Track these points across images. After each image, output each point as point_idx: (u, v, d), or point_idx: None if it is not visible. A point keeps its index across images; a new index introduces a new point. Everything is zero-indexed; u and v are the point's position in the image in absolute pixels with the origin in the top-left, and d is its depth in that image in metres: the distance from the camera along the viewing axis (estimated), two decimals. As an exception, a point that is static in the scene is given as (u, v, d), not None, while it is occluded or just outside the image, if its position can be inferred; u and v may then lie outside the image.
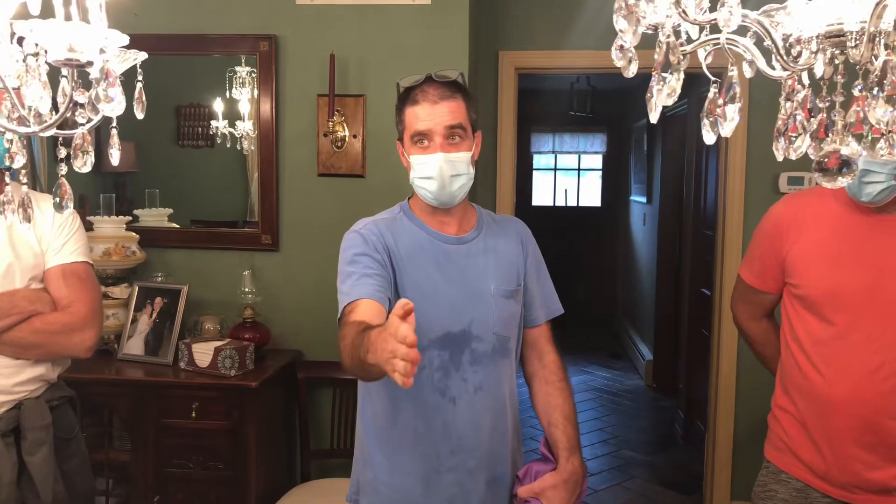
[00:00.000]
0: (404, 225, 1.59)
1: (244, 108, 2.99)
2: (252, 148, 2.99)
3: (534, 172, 7.81)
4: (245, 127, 2.99)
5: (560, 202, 7.92)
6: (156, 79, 3.01)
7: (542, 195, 7.88)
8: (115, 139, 0.92)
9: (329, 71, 2.77)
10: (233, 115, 3.01)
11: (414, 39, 2.84)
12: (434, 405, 1.53)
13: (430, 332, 1.50)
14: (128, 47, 0.82)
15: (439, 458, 1.55)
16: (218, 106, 3.01)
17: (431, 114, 1.52)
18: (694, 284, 4.37)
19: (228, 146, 3.01)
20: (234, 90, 2.99)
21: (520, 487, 1.57)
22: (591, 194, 7.88)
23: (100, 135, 1.03)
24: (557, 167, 7.92)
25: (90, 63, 0.73)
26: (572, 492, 1.53)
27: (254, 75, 2.93)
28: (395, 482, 1.57)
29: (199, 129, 3.05)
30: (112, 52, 0.76)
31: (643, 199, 6.25)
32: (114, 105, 0.74)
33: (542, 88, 6.43)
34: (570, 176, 7.95)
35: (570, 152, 7.78)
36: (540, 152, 7.75)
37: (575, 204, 7.91)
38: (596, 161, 7.80)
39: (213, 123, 3.02)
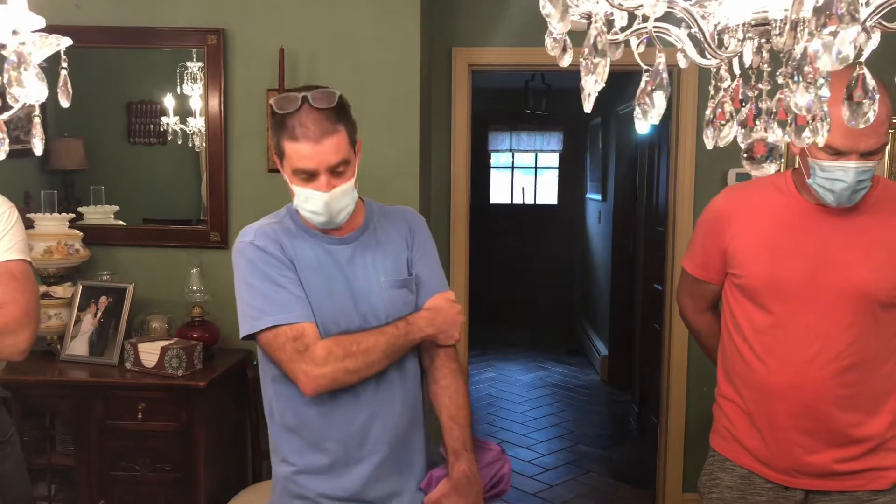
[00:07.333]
0: (291, 230, 1.60)
1: (196, 104, 2.93)
2: (204, 145, 2.93)
3: (491, 171, 7.83)
4: (197, 123, 2.93)
5: (518, 200, 7.95)
6: (106, 74, 2.96)
7: (499, 193, 7.90)
8: (37, 128, 0.89)
9: (279, 65, 2.73)
10: (184, 112, 2.94)
11: (365, 34, 2.81)
12: (338, 400, 1.55)
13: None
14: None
15: (347, 451, 1.56)
16: (169, 102, 2.95)
17: (314, 153, 1.46)
18: (647, 280, 4.43)
19: (180, 143, 2.95)
20: (185, 86, 2.93)
21: (425, 498, 1.59)
22: (548, 192, 7.92)
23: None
24: (515, 165, 7.95)
25: (2, 46, 0.70)
26: (468, 493, 1.55)
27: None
28: (304, 478, 1.58)
29: (151, 125, 2.99)
30: (28, 36, 0.73)
31: (598, 197, 6.31)
32: (27, 91, 0.71)
33: (499, 86, 6.45)
34: (527, 174, 7.98)
35: (527, 150, 7.81)
36: (497, 150, 7.77)
37: (532, 202, 7.95)
38: (553, 159, 7.85)
39: (165, 120, 2.95)
